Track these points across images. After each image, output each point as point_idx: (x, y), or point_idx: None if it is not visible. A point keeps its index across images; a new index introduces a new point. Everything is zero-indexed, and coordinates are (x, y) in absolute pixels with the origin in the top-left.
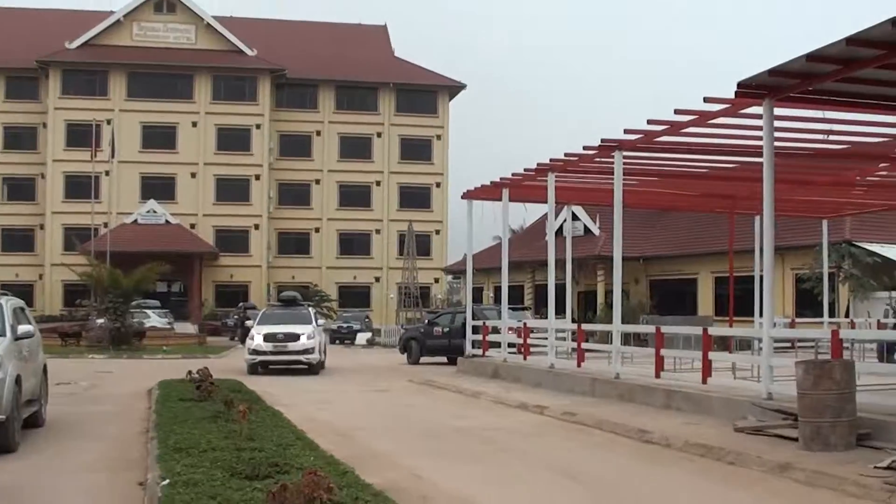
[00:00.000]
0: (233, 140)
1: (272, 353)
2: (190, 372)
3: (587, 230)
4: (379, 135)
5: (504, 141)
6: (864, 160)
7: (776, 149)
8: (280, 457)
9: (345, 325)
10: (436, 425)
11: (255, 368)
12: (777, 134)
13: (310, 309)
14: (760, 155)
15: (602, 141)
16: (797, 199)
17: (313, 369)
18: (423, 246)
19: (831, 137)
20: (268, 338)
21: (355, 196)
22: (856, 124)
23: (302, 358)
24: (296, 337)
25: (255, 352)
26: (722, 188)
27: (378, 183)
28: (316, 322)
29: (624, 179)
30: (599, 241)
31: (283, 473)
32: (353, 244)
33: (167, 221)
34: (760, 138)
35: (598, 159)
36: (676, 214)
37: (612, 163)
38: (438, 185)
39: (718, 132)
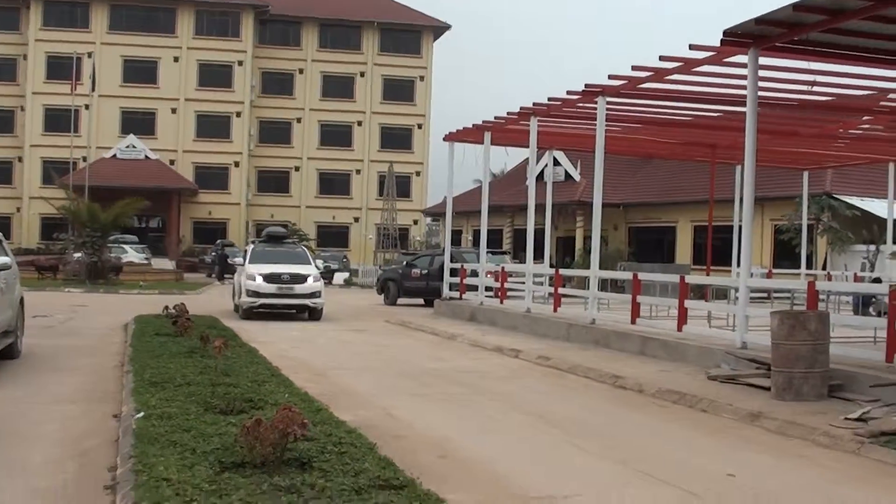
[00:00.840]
0: (214, 76)
1: (276, 295)
2: (166, 307)
3: (568, 176)
4: (362, 74)
5: (488, 84)
6: (848, 113)
7: (760, 99)
8: (255, 392)
9: (322, 265)
10: (411, 366)
11: (250, 313)
12: (761, 84)
13: (304, 248)
14: (744, 104)
15: (585, 86)
16: (779, 149)
17: (316, 314)
18: (402, 187)
19: (815, 89)
20: (271, 278)
21: (336, 135)
22: (840, 76)
23: (309, 302)
24: (302, 278)
25: (256, 294)
26: (704, 137)
27: (359, 123)
28: (314, 263)
29: (606, 125)
30: (580, 187)
31: (258, 409)
32: (333, 184)
33: (146, 157)
34: (744, 87)
35: (581, 104)
36: (658, 162)
37: (595, 108)
38: (420, 126)
39: (703, 80)
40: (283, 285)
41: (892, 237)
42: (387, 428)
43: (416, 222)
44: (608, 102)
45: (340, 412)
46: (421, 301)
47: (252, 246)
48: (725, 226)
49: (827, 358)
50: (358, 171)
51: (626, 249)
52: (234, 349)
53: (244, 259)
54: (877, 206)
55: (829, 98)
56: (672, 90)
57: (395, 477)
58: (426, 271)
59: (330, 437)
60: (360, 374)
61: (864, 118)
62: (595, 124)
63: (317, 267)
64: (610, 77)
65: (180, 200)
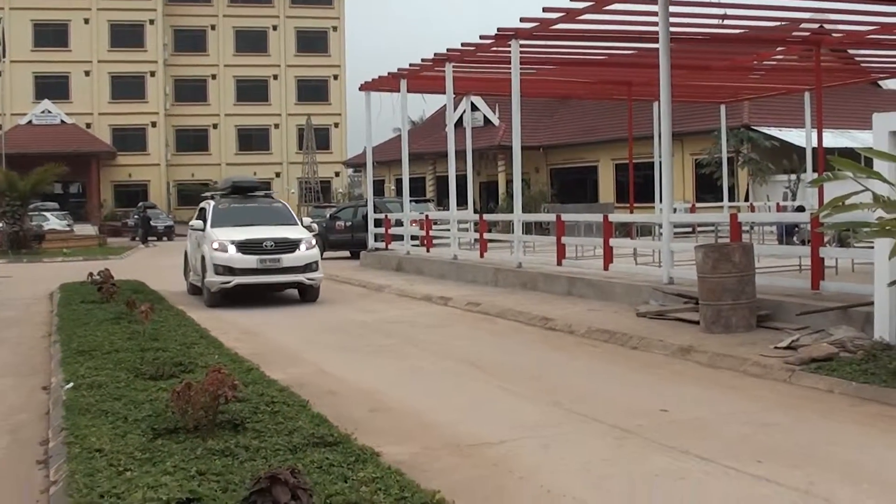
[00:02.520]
0: (126, 36)
1: (257, 271)
2: (91, 274)
3: (487, 120)
4: (275, 27)
5: (406, 32)
6: (761, 44)
7: (672, 34)
8: (184, 356)
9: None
10: (341, 320)
11: (219, 298)
12: (673, 20)
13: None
14: (657, 41)
15: (498, 30)
16: (695, 84)
17: (312, 294)
18: (322, 140)
19: (727, 22)
20: (248, 247)
21: (252, 91)
22: (751, 8)
23: (303, 278)
24: (292, 245)
25: (229, 270)
26: (620, 75)
27: (275, 77)
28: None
29: (522, 68)
30: (499, 131)
31: (188, 372)
32: (252, 140)
33: (62, 121)
34: (657, 24)
35: (495, 49)
36: (575, 102)
37: (510, 52)
38: (336, 77)
39: (615, 19)
40: (267, 256)
41: (812, 166)
42: (319, 384)
43: (337, 174)
44: (522, 45)
45: (272, 371)
46: (347, 253)
47: (212, 202)
48: (646, 162)
49: (753, 289)
50: (276, 126)
51: (549, 191)
52: (162, 312)
53: (204, 221)
54: (795, 136)
55: (742, 31)
56: (585, 30)
57: (330, 433)
58: (350, 223)
59: (262, 396)
60: (290, 331)
61: (778, 49)
62: (510, 68)
63: (308, 227)
64: (522, 20)
65: (99, 164)
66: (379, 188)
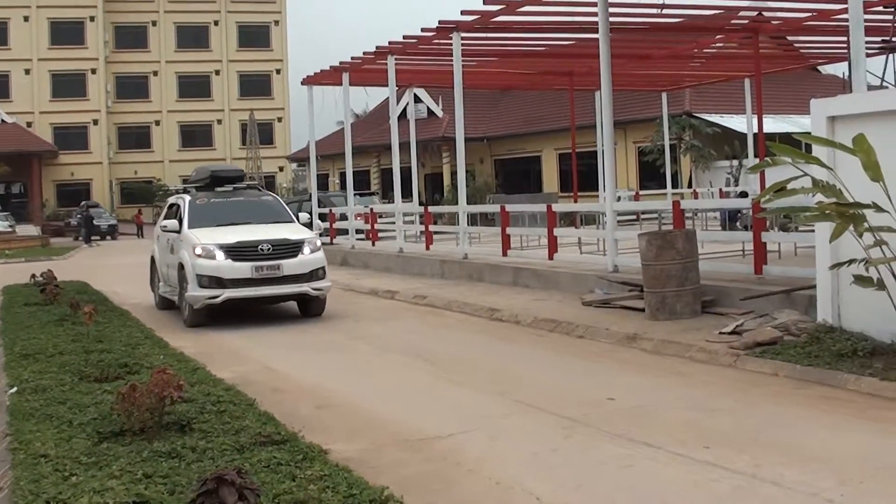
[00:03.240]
0: (66, 34)
1: (253, 282)
2: (34, 275)
3: (430, 112)
4: (216, 23)
5: (350, 25)
6: (701, 33)
7: (612, 24)
8: (129, 357)
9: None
10: (286, 316)
11: (200, 317)
12: (612, 10)
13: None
14: (597, 31)
15: (440, 23)
16: (636, 73)
17: (318, 308)
18: (265, 134)
19: (666, 11)
20: (240, 252)
21: (195, 87)
22: None
23: (308, 288)
24: (293, 248)
25: (217, 282)
26: (561, 65)
27: (217, 72)
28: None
29: (463, 60)
30: (443, 123)
31: (133, 374)
32: (195, 136)
33: (3, 121)
34: (596, 14)
35: (437, 41)
36: (518, 93)
37: (452, 44)
38: (279, 71)
39: (554, 10)
40: (264, 263)
41: (754, 151)
42: (266, 382)
43: (281, 169)
44: (464, 37)
45: (218, 370)
46: None
47: (187, 197)
48: (590, 151)
49: (697, 275)
50: (219, 122)
51: (494, 182)
52: (106, 314)
53: (179, 221)
54: (736, 122)
55: (681, 19)
56: (526, 22)
57: (277, 432)
58: None
59: (209, 396)
60: (235, 329)
61: (717, 37)
62: (452, 60)
63: (306, 225)
64: (463, 12)
65: (41, 163)
66: (323, 182)
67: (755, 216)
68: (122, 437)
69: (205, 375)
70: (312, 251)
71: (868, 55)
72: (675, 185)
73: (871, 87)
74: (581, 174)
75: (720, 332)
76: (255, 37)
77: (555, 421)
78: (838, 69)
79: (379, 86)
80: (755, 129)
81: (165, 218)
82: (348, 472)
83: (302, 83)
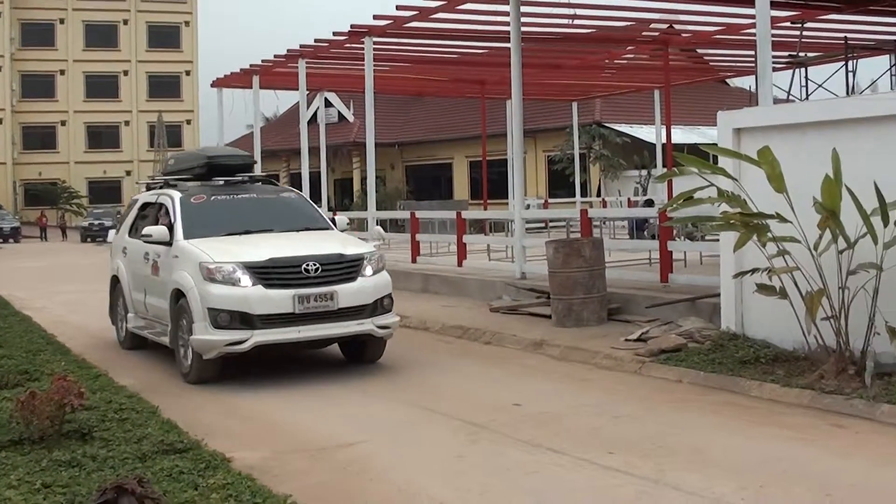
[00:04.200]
0: None
1: (297, 318)
2: None
3: (342, 117)
4: (125, 22)
5: (263, 28)
6: (612, 44)
7: (523, 34)
8: (30, 364)
9: (96, 223)
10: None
11: (211, 370)
12: (524, 19)
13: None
14: (509, 40)
15: (352, 27)
16: (547, 82)
17: (376, 351)
18: (174, 137)
19: (577, 22)
20: (271, 275)
21: (102, 87)
22: (601, 8)
23: (373, 326)
24: (350, 267)
25: (240, 319)
26: (473, 73)
27: (126, 72)
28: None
29: (376, 65)
30: (354, 128)
31: (34, 381)
32: (102, 137)
33: None
34: (508, 23)
35: (349, 45)
36: (430, 100)
37: (364, 49)
38: (188, 73)
39: (468, 18)
40: (311, 291)
41: (662, 161)
42: (169, 389)
43: None
44: (376, 42)
45: (120, 376)
46: None
47: (176, 194)
48: (500, 160)
49: (604, 283)
50: (127, 123)
51: (405, 188)
52: (7, 318)
53: (170, 228)
54: (645, 133)
55: (592, 30)
56: (439, 28)
57: (180, 440)
58: None
59: (110, 403)
60: (259, 386)
61: (628, 48)
62: (364, 65)
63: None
64: (375, 17)
65: None
66: None
67: (662, 225)
68: (20, 445)
69: (107, 382)
70: (375, 271)
71: (775, 69)
72: (584, 194)
73: (777, 101)
74: (491, 182)
75: (626, 340)
76: (165, 37)
77: (461, 427)
78: (746, 82)
79: (290, 89)
80: (664, 140)
81: (139, 221)
82: (251, 480)
83: (212, 85)
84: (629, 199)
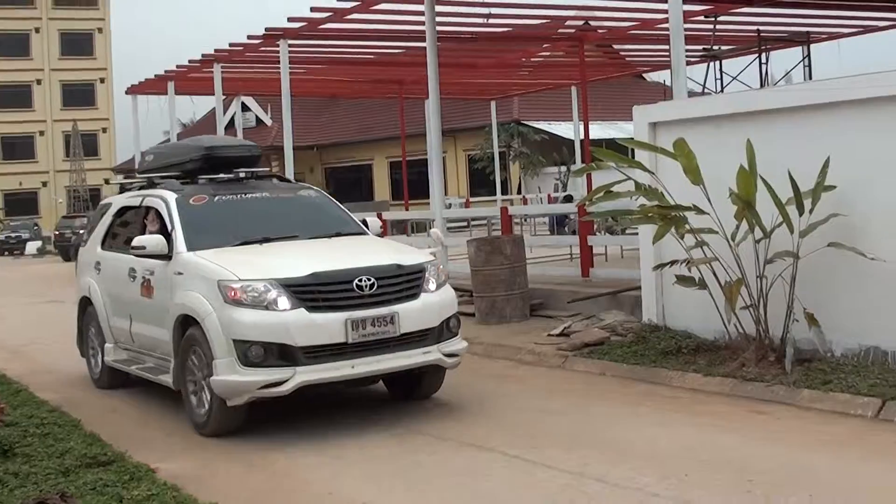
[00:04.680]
0: None
1: (350, 349)
2: None
3: (259, 121)
4: (37, 30)
5: (177, 32)
6: (528, 42)
7: (439, 33)
8: None
9: (13, 235)
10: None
11: (234, 417)
12: (439, 19)
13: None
14: (425, 40)
15: (266, 30)
16: (465, 81)
17: (435, 383)
18: (90, 146)
19: (493, 21)
20: (315, 294)
21: (14, 96)
22: (516, 7)
23: (440, 356)
24: (411, 282)
25: (280, 353)
26: (390, 73)
27: (38, 81)
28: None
29: (292, 68)
30: (272, 132)
31: None
32: (16, 148)
33: None
34: (424, 23)
35: (264, 49)
36: (349, 102)
37: (279, 52)
38: (103, 80)
39: (383, 18)
40: (367, 313)
41: (581, 157)
42: (93, 403)
43: (107, 181)
44: (291, 45)
45: (42, 391)
46: None
47: (171, 195)
48: (421, 159)
49: (526, 279)
50: (41, 133)
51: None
52: None
53: (167, 235)
54: (564, 129)
55: (508, 29)
56: (354, 29)
57: (103, 453)
58: None
59: (31, 419)
60: (59, 349)
61: (544, 46)
62: (280, 68)
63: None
64: (290, 19)
65: None
66: None
67: (581, 220)
68: None
69: (28, 397)
70: (439, 285)
71: (690, 63)
72: (504, 192)
73: (693, 94)
74: (412, 182)
75: (549, 335)
76: (77, 45)
77: (386, 428)
78: (662, 76)
79: (206, 94)
80: (582, 136)
81: (116, 230)
82: (177, 490)
83: (126, 92)
84: (549, 195)
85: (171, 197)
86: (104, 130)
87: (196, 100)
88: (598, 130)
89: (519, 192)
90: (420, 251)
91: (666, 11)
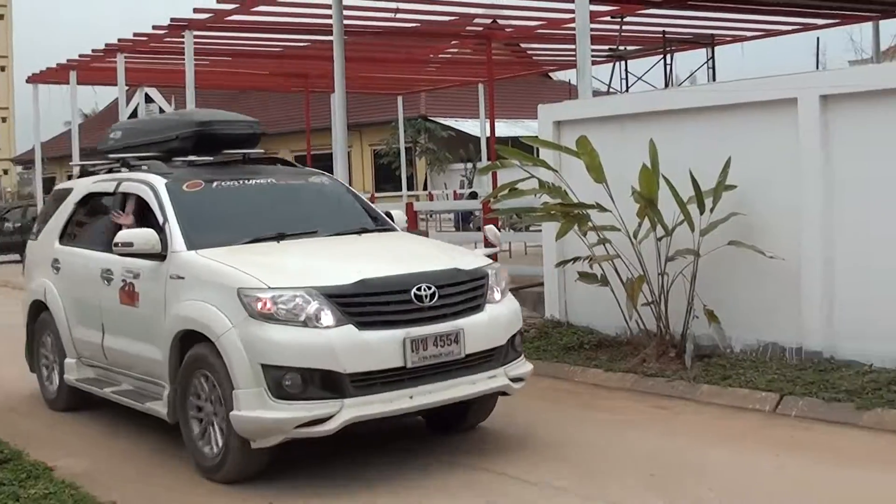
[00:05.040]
0: None
1: (409, 375)
2: None
3: (163, 112)
4: None
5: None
6: (436, 38)
7: (346, 27)
8: None
9: None
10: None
11: (258, 461)
12: (347, 12)
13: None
14: (331, 33)
15: (172, 20)
16: (371, 76)
17: (486, 410)
18: None
19: (401, 16)
20: (365, 306)
21: None
22: (425, 3)
23: (507, 380)
24: (473, 291)
25: (323, 381)
26: (297, 67)
27: None
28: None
29: (197, 60)
30: None
31: None
32: None
33: None
34: (331, 16)
35: (169, 39)
36: (255, 95)
37: (184, 43)
38: (3, 69)
39: (291, 11)
40: (429, 329)
41: (487, 154)
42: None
43: (6, 172)
44: (197, 36)
45: None
46: (17, 257)
47: (158, 179)
48: (326, 153)
49: None
50: None
51: None
52: None
53: (159, 229)
54: (470, 126)
55: (416, 24)
56: (261, 22)
57: (0, 451)
58: (20, 224)
59: None
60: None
61: (452, 42)
62: (185, 59)
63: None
64: (195, 10)
65: None
66: (50, 186)
67: (486, 217)
68: None
69: None
70: (502, 292)
71: (596, 63)
72: (410, 188)
73: (598, 94)
74: None
75: None
76: None
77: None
78: (569, 75)
79: (109, 84)
80: (488, 133)
81: (80, 221)
82: (75, 488)
83: (27, 81)
84: (455, 191)
85: (160, 182)
86: (3, 120)
87: (99, 90)
88: (505, 128)
89: (425, 188)
90: (473, 253)
91: (573, 11)
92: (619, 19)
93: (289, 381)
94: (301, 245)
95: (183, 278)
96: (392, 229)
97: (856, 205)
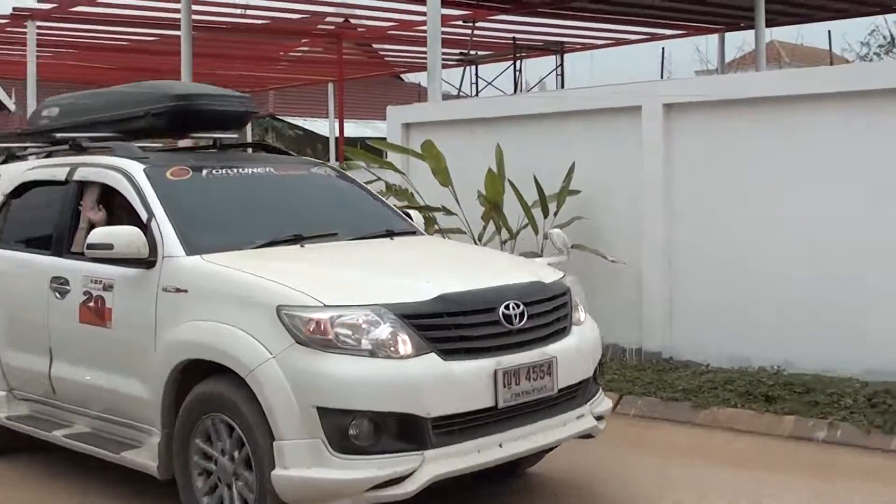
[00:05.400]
0: None
1: (500, 417)
2: None
3: (2, 106)
4: None
5: None
6: (285, 36)
7: (195, 22)
8: None
9: None
10: None
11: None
12: (195, 7)
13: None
14: (180, 28)
15: (13, 9)
16: (220, 73)
17: (537, 456)
18: None
19: (250, 12)
20: (449, 336)
21: None
22: (275, 0)
23: (594, 421)
24: (557, 310)
25: (400, 429)
26: (146, 61)
27: None
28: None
29: (40, 52)
30: (14, 119)
31: None
32: None
33: None
34: (179, 11)
35: (10, 29)
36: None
37: (26, 33)
38: None
39: (140, 4)
40: (521, 358)
41: (335, 155)
42: None
43: None
44: (41, 27)
45: None
46: None
47: (136, 166)
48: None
49: None
50: None
51: None
52: None
53: (147, 229)
54: (319, 126)
55: (265, 22)
56: (109, 14)
57: None
58: None
59: None
60: None
61: (302, 41)
62: (27, 50)
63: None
64: (40, 0)
65: None
66: None
67: None
68: None
69: None
70: (582, 312)
71: (446, 66)
72: None
73: (448, 97)
74: None
75: None
76: None
77: None
78: (420, 78)
79: None
80: (337, 133)
81: (18, 214)
82: None
83: None
84: None
85: (136, 168)
86: None
87: None
88: (354, 129)
89: None
90: (541, 263)
91: (425, 14)
92: (471, 24)
93: (356, 430)
94: (332, 250)
95: (185, 291)
96: (418, 232)
97: (696, 210)
